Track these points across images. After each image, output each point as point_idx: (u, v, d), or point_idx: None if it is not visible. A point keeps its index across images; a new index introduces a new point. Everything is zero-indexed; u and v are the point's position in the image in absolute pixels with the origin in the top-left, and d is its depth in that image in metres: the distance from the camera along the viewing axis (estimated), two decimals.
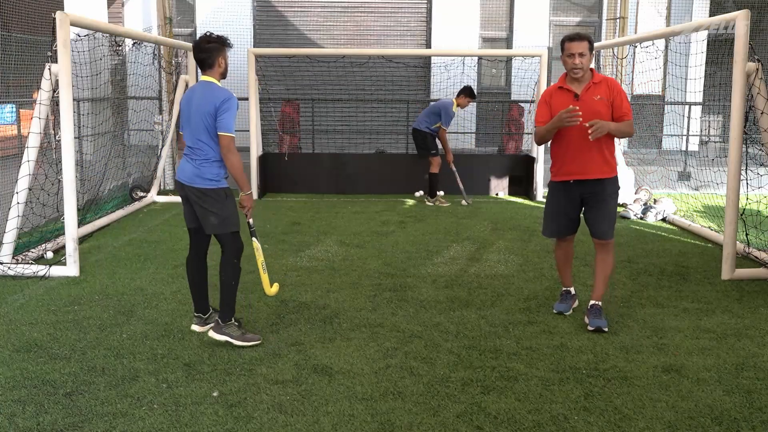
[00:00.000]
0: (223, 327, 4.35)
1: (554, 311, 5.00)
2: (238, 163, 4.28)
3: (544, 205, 5.04)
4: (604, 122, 4.43)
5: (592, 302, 4.78)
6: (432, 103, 9.98)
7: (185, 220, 4.55)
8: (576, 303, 5.10)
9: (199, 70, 4.49)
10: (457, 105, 9.49)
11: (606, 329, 4.63)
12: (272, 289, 4.62)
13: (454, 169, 9.65)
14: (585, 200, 4.72)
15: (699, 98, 11.33)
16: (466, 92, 9.43)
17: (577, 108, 4.41)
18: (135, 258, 6.48)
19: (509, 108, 11.85)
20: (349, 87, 12.23)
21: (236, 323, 4.38)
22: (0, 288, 5.52)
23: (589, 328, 4.63)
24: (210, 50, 4.31)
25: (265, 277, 4.59)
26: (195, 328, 4.55)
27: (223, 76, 4.43)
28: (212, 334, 4.36)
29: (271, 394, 3.67)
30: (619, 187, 4.80)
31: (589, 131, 4.39)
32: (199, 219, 4.40)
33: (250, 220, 4.56)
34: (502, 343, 4.41)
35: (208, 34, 4.41)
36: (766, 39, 12.10)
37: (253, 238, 4.59)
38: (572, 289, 5.12)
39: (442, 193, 9.99)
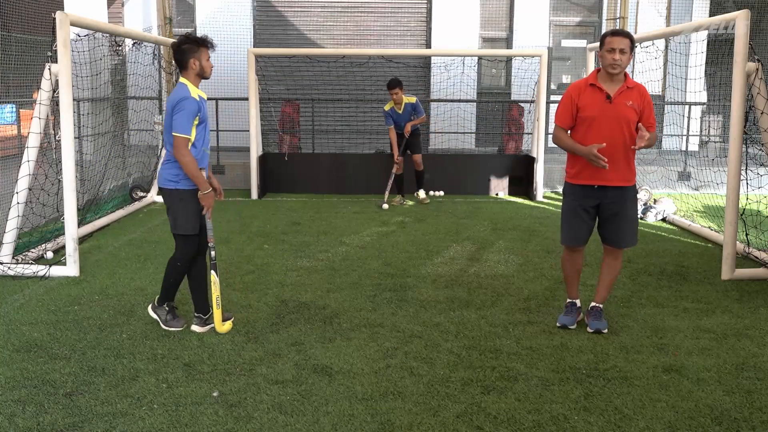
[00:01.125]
0: (157, 307, 4.66)
1: (558, 324, 4.71)
2: (191, 164, 4.29)
3: (557, 209, 5.00)
4: (648, 137, 4.24)
5: (593, 304, 4.73)
6: None
7: None
8: (581, 316, 4.81)
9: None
10: (392, 102, 9.18)
11: (605, 331, 4.61)
12: (224, 327, 4.55)
13: (395, 167, 9.41)
14: (603, 208, 4.52)
15: (699, 98, 11.33)
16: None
17: (605, 160, 4.25)
18: (135, 258, 6.48)
19: (509, 108, 11.84)
20: (349, 87, 12.24)
21: (167, 308, 4.62)
22: (0, 288, 5.52)
23: (589, 330, 4.62)
24: (184, 51, 4.39)
25: (217, 314, 4.54)
26: (195, 328, 4.57)
27: (201, 76, 4.47)
28: (149, 309, 4.73)
29: (271, 394, 3.67)
30: (637, 192, 4.59)
31: (639, 142, 4.24)
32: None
33: (213, 252, 4.59)
34: (502, 343, 4.41)
35: (185, 35, 4.47)
36: (766, 39, 12.10)
37: (212, 272, 4.59)
38: (578, 302, 4.82)
39: (389, 198, 9.72)
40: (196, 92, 4.38)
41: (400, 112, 9.25)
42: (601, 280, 4.73)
